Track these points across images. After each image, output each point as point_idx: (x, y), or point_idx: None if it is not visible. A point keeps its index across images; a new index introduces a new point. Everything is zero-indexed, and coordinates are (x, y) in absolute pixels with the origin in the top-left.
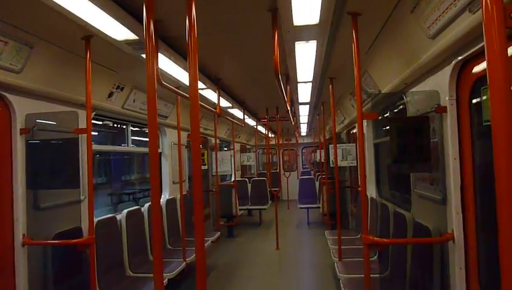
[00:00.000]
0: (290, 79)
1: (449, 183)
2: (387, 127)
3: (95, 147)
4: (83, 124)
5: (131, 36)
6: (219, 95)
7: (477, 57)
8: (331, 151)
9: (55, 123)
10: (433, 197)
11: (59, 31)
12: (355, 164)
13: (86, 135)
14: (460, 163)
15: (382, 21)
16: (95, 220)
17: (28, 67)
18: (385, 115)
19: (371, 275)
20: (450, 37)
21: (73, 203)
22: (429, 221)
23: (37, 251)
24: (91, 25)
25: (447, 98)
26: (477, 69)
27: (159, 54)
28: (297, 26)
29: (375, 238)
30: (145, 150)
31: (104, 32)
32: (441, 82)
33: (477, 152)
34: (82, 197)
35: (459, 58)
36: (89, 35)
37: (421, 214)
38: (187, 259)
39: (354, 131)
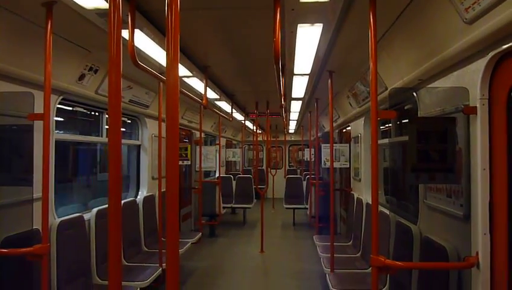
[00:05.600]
0: (286, 70)
1: (475, 197)
2: (388, 126)
3: (58, 136)
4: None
5: (102, 4)
6: (206, 85)
7: None
8: (324, 151)
9: None
10: (451, 211)
11: None
12: (348, 166)
13: (43, 121)
14: (490, 175)
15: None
16: (58, 220)
17: None
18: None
19: None
20: (493, 23)
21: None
22: (444, 239)
23: None
24: None
25: (478, 97)
26: None
27: (137, 30)
28: (303, 2)
29: (387, 260)
30: (124, 141)
31: None
32: (471, 78)
33: None
34: (35, 196)
35: (504, 46)
36: (51, 0)
37: (432, 230)
38: (164, 264)
39: (347, 129)
